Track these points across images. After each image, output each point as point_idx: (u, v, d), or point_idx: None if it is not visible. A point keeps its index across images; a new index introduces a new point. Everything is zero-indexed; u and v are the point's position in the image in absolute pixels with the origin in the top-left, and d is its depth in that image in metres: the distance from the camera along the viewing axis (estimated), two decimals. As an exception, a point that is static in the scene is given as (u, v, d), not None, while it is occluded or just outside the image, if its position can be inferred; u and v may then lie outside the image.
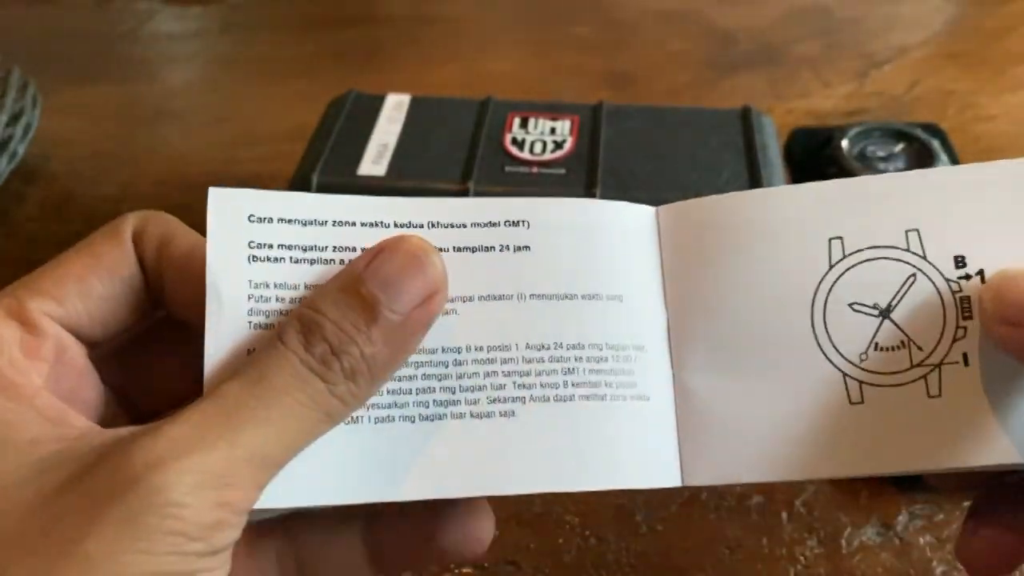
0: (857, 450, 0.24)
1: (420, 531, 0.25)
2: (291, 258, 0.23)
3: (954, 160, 0.50)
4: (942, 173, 0.26)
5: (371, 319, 0.21)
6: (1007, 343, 0.23)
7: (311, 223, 0.24)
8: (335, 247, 0.24)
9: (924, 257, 0.25)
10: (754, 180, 0.43)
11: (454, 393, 0.24)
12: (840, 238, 0.25)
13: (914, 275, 0.25)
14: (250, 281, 0.23)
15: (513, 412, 0.24)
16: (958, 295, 0.24)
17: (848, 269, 0.25)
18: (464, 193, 0.43)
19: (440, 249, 0.23)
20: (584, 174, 0.44)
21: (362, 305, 0.21)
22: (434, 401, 0.24)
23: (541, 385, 0.24)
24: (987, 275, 0.24)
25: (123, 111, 0.66)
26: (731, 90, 0.66)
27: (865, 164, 0.49)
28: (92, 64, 0.72)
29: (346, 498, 0.23)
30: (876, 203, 0.25)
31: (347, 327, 0.21)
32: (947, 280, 0.24)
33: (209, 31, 0.77)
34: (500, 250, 0.25)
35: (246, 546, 0.24)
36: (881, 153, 0.50)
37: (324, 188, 0.44)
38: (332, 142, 0.46)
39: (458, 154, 0.45)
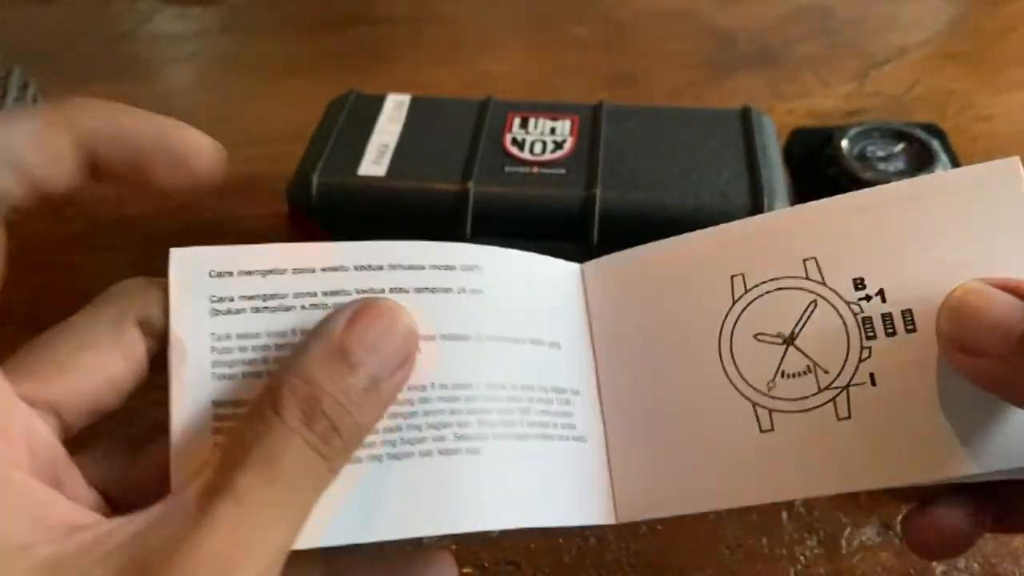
0: (769, 477, 0.25)
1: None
2: (252, 308, 0.24)
3: (954, 160, 0.50)
4: (836, 201, 0.26)
5: (364, 388, 0.21)
6: (965, 371, 0.23)
7: (270, 272, 0.24)
8: (295, 294, 0.24)
9: (823, 283, 0.25)
10: (754, 180, 0.43)
11: (420, 431, 0.24)
12: (741, 274, 0.26)
13: (815, 301, 0.25)
14: (212, 334, 0.24)
15: (478, 450, 0.24)
16: (860, 316, 0.25)
17: (751, 303, 0.26)
18: (465, 193, 0.43)
19: (401, 290, 0.24)
20: (584, 174, 0.44)
21: (354, 375, 0.21)
22: (401, 439, 0.24)
23: (502, 423, 0.24)
24: (888, 294, 0.24)
25: (123, 111, 0.66)
26: (731, 90, 0.66)
27: (865, 164, 0.49)
28: (92, 64, 0.72)
29: (312, 542, 0.22)
30: (774, 237, 0.26)
31: (343, 399, 0.21)
32: (848, 303, 0.25)
33: (209, 31, 0.77)
34: (457, 292, 0.25)
35: None
36: (881, 153, 0.50)
37: (324, 188, 0.44)
38: (332, 142, 0.46)
39: (458, 154, 0.45)
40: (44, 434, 0.22)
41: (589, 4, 0.78)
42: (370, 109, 0.49)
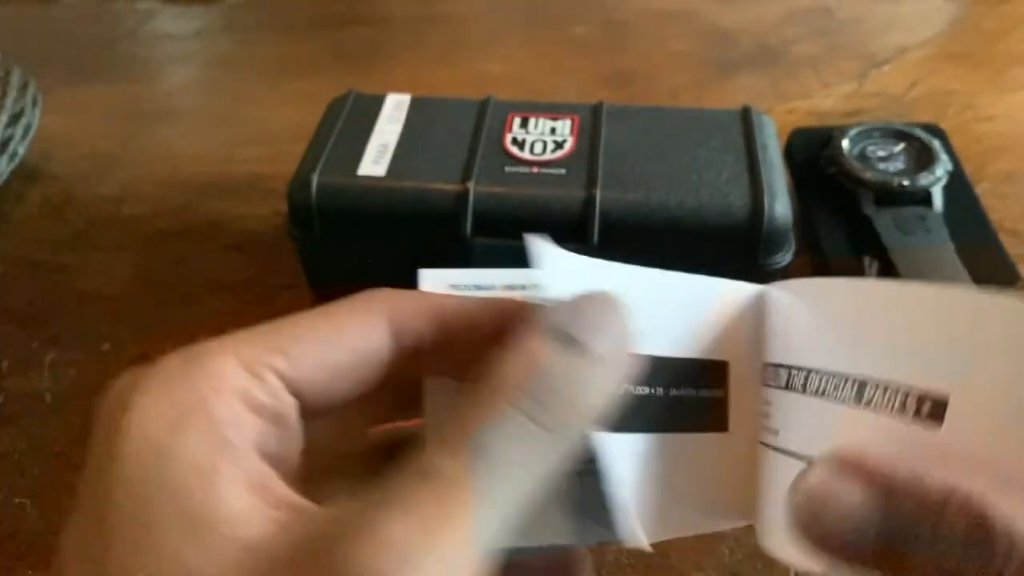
0: None
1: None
2: None
3: (954, 160, 0.50)
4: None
5: (582, 359, 0.20)
6: (827, 567, 0.20)
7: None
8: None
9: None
10: (754, 180, 0.43)
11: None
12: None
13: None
14: None
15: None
16: None
17: None
18: (465, 193, 0.43)
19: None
20: (584, 174, 0.44)
21: (572, 346, 0.20)
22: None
23: None
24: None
25: (123, 111, 0.66)
26: (731, 90, 0.66)
27: (865, 164, 0.49)
28: (92, 64, 0.72)
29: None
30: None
31: (560, 367, 0.19)
32: None
33: (209, 31, 0.77)
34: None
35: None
36: (881, 153, 0.50)
37: (324, 188, 0.44)
38: (332, 142, 0.46)
39: (458, 154, 0.45)
40: (285, 404, 0.21)
41: (589, 4, 0.78)
42: (370, 109, 0.49)
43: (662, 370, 0.25)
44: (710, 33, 0.73)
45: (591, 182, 0.43)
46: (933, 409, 0.20)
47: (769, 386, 0.26)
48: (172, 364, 0.20)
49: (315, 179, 0.44)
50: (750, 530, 0.37)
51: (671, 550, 0.37)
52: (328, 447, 0.24)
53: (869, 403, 0.22)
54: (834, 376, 0.23)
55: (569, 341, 0.20)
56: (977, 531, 0.17)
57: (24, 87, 0.59)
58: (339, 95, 0.50)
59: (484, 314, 0.23)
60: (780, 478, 0.24)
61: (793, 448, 0.24)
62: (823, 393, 0.23)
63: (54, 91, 0.64)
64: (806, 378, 0.24)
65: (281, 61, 0.72)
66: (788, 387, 0.25)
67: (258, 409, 0.20)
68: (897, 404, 0.21)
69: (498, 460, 0.18)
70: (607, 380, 0.20)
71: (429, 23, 0.76)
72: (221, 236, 0.53)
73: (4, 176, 0.56)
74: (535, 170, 0.44)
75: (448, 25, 0.77)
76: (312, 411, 0.22)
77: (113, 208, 0.56)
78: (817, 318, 0.25)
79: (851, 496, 0.19)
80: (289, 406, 0.21)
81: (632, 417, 0.24)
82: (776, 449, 0.25)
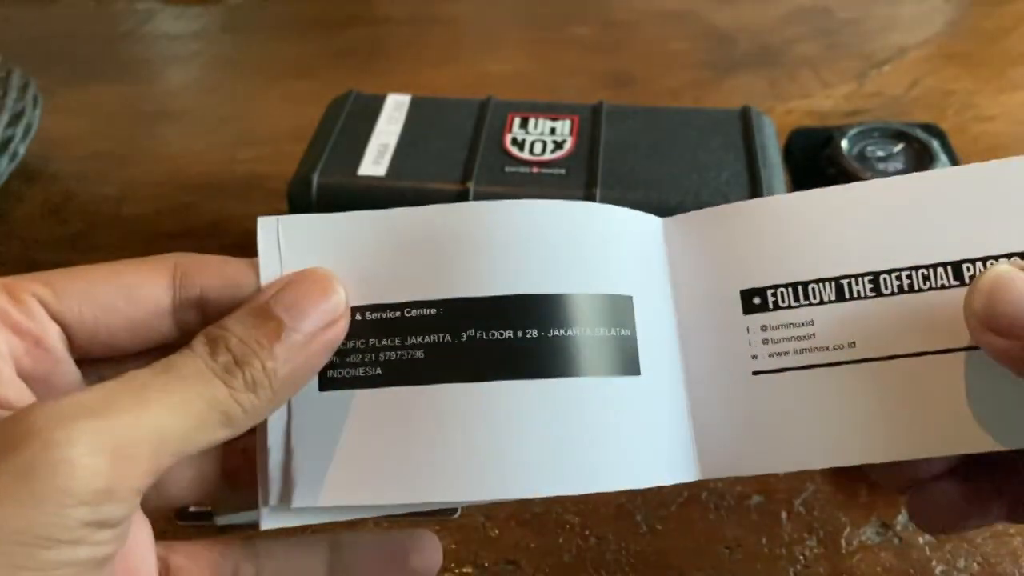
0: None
1: (392, 555, 0.26)
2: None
3: (954, 160, 0.50)
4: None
5: (274, 337, 0.22)
6: (993, 352, 0.23)
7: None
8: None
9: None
10: (754, 180, 0.43)
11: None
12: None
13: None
14: None
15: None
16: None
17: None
18: (464, 194, 0.43)
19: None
20: (584, 174, 0.44)
21: (266, 325, 0.22)
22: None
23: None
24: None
25: (123, 111, 0.66)
26: (731, 90, 0.66)
27: (865, 164, 0.49)
28: (92, 64, 0.72)
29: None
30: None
31: (251, 343, 0.22)
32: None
33: (209, 31, 0.77)
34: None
35: (204, 554, 0.25)
36: (881, 153, 0.50)
37: (324, 188, 0.44)
38: (332, 142, 0.46)
39: (458, 154, 0.45)
40: (45, 329, 0.23)
41: (589, 4, 0.78)
42: (370, 109, 0.49)
43: (531, 309, 0.24)
44: (710, 33, 0.73)
45: (591, 182, 0.43)
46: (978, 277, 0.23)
47: (798, 306, 0.25)
48: None
49: (315, 179, 0.44)
50: (750, 530, 0.37)
51: (671, 550, 0.37)
52: None
53: (972, 279, 0.24)
54: (918, 269, 0.25)
55: (265, 316, 0.23)
56: None
57: (24, 87, 0.59)
58: (339, 95, 0.50)
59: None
60: (881, 390, 0.25)
61: (888, 352, 0.25)
62: (911, 289, 0.25)
63: (54, 91, 0.64)
64: (875, 281, 0.25)
65: (281, 61, 0.72)
66: (847, 298, 0.25)
67: (13, 326, 0.22)
68: None
69: (189, 384, 0.21)
70: (298, 357, 0.23)
71: (429, 23, 0.76)
72: (221, 236, 0.53)
73: (4, 176, 0.56)
74: (535, 170, 0.44)
75: (448, 25, 0.77)
76: (87, 348, 0.23)
77: (113, 208, 0.56)
78: (861, 222, 0.26)
79: None
80: (52, 332, 0.23)
81: (495, 364, 0.24)
82: (859, 362, 0.25)
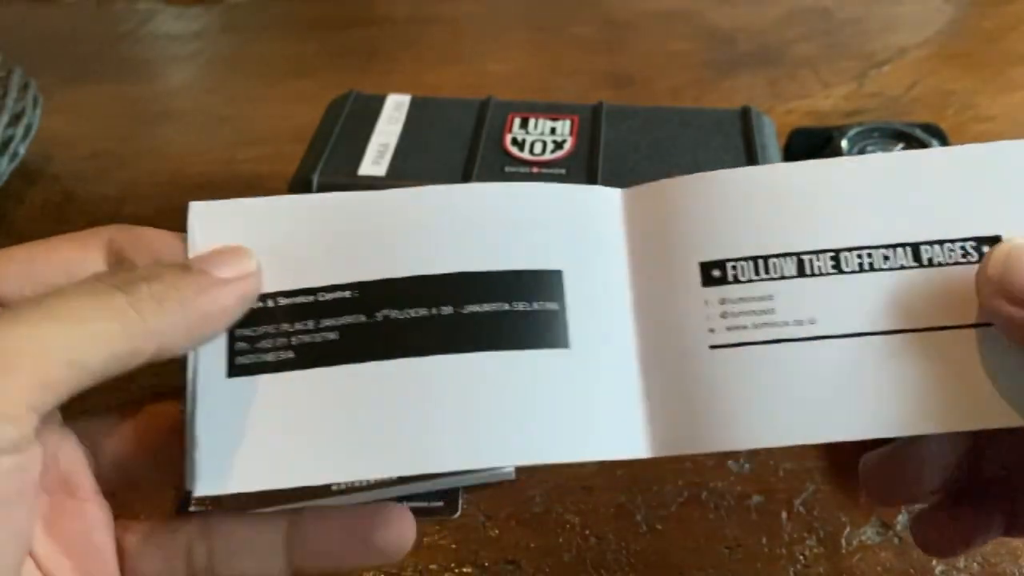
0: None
1: (354, 529, 0.25)
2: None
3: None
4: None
5: (185, 271, 0.22)
6: (1007, 322, 0.23)
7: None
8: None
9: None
10: (754, 180, 0.43)
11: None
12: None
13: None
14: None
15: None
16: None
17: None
18: (464, 193, 0.43)
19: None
20: (584, 174, 0.44)
21: (184, 268, 0.22)
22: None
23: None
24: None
25: (123, 111, 0.66)
26: (731, 90, 0.66)
27: (865, 164, 0.49)
28: (92, 64, 0.72)
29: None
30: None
31: (160, 269, 0.22)
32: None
33: (209, 31, 0.77)
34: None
35: (154, 532, 0.24)
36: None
37: (324, 188, 0.44)
38: (332, 142, 0.46)
39: (458, 154, 0.45)
40: None
41: (589, 4, 0.78)
42: (370, 109, 0.49)
43: (446, 287, 0.25)
44: (710, 33, 0.73)
45: (591, 182, 0.43)
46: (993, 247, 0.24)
47: (758, 280, 0.25)
48: None
49: (315, 179, 0.44)
50: (750, 530, 0.37)
51: (671, 550, 0.37)
52: None
53: (931, 261, 0.24)
54: (877, 248, 0.25)
55: (183, 265, 0.23)
56: None
57: (25, 87, 0.59)
58: (339, 95, 0.50)
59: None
60: (831, 367, 0.24)
61: (846, 329, 0.25)
62: (870, 268, 0.25)
63: (55, 91, 0.64)
64: (836, 258, 0.25)
65: (281, 61, 0.72)
66: (807, 274, 0.25)
67: None
68: (959, 254, 0.24)
69: (75, 296, 0.21)
70: (211, 291, 0.22)
71: (429, 23, 0.76)
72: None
73: (5, 176, 0.56)
74: (535, 170, 0.44)
75: (448, 25, 0.77)
76: None
77: (113, 208, 0.56)
78: (825, 199, 0.25)
79: None
80: None
81: (423, 337, 0.24)
82: (817, 338, 0.25)
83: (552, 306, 0.25)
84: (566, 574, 0.37)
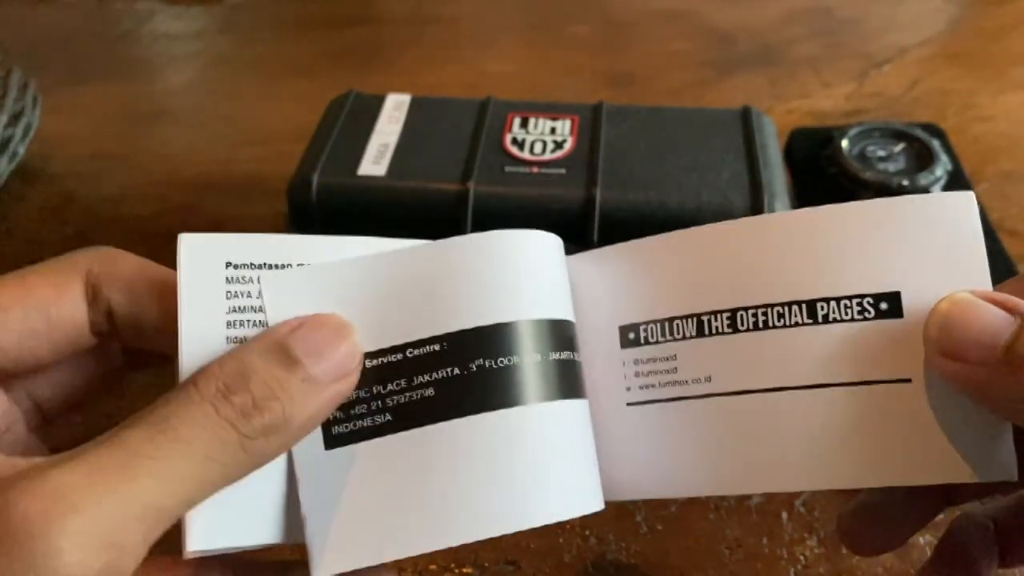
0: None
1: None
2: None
3: (954, 160, 0.50)
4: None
5: (296, 377, 0.21)
6: (949, 377, 0.23)
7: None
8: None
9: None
10: (754, 180, 0.43)
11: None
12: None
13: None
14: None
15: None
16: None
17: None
18: (465, 193, 0.43)
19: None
20: (584, 174, 0.44)
21: (291, 368, 0.21)
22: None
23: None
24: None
25: (123, 111, 0.66)
26: (731, 90, 0.66)
27: (865, 164, 0.49)
28: (92, 64, 0.72)
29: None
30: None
31: (273, 383, 0.21)
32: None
33: (209, 31, 0.77)
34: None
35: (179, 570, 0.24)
36: (881, 153, 0.50)
37: (324, 188, 0.44)
38: (332, 142, 0.46)
39: (458, 154, 0.45)
40: None
41: (589, 4, 0.78)
42: (370, 109, 0.49)
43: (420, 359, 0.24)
44: (710, 33, 0.73)
45: (591, 182, 0.43)
46: (891, 305, 0.24)
47: (664, 341, 0.26)
48: None
49: (315, 179, 0.44)
50: (750, 530, 0.37)
51: (671, 549, 0.37)
52: (54, 407, 0.25)
53: (826, 318, 0.24)
54: (773, 307, 0.25)
55: (285, 355, 0.21)
56: None
57: (24, 87, 0.59)
58: (339, 95, 0.50)
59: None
60: (731, 423, 0.25)
61: (741, 387, 0.25)
62: (765, 325, 0.25)
63: (54, 91, 0.64)
64: (732, 318, 0.26)
65: (281, 61, 0.72)
66: (706, 334, 0.26)
67: None
68: (856, 311, 0.24)
69: (184, 445, 0.20)
70: (315, 404, 0.21)
71: (429, 23, 0.76)
72: (221, 236, 0.53)
73: (4, 176, 0.56)
74: (535, 170, 0.44)
75: (448, 25, 0.77)
76: (13, 371, 0.23)
77: (113, 208, 0.56)
78: (725, 260, 0.26)
79: (988, 311, 0.22)
80: None
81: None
82: (712, 396, 0.25)
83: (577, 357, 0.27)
84: (566, 574, 0.37)
